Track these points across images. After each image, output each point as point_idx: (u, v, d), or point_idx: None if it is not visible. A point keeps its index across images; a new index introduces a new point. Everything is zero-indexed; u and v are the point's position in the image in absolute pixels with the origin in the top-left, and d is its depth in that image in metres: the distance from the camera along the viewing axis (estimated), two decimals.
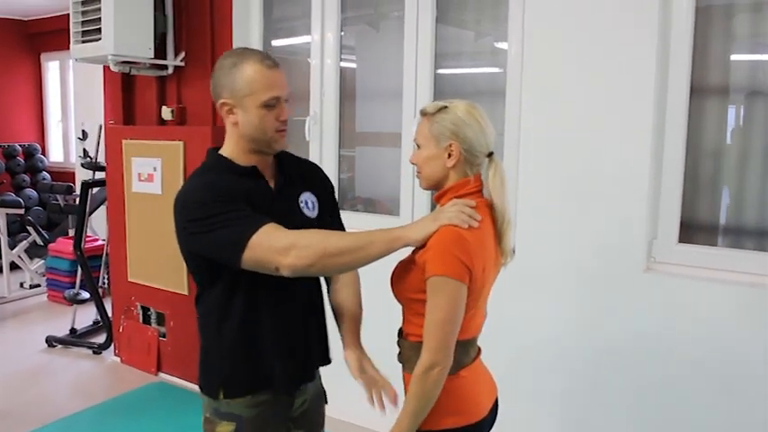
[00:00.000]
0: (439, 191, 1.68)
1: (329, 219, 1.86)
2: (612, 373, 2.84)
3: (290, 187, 1.79)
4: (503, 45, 3.14)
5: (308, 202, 1.80)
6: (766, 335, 2.53)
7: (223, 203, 1.59)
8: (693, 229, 2.82)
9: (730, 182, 2.83)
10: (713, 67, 2.78)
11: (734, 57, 2.78)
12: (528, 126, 2.97)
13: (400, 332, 1.73)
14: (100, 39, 3.69)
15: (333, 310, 1.89)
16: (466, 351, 1.68)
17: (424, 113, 1.67)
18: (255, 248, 1.54)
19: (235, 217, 1.57)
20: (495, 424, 1.82)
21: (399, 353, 1.72)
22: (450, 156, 1.62)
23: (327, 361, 1.92)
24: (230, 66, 1.65)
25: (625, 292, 2.79)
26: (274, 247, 1.53)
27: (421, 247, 1.57)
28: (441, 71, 3.38)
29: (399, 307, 1.72)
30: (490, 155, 1.65)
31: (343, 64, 3.74)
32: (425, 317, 1.52)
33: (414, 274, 1.59)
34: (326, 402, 2.02)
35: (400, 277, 1.63)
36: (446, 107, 1.63)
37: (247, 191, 1.67)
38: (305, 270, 1.55)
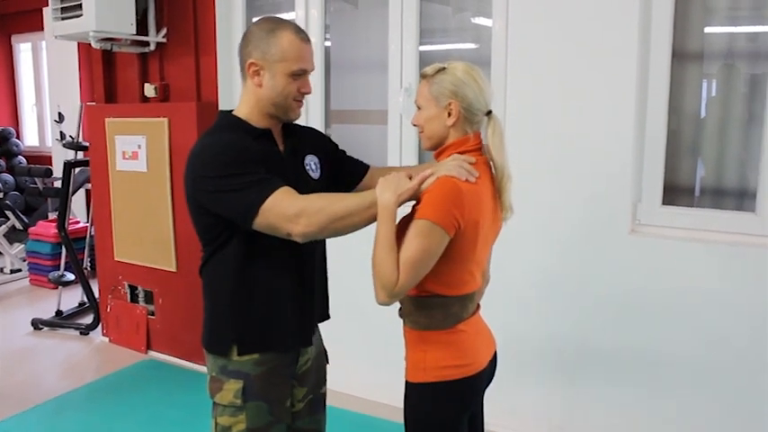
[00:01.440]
0: (439, 148, 1.72)
1: (342, 175, 1.93)
2: (599, 331, 2.93)
3: (296, 151, 1.83)
4: (486, 21, 3.18)
5: (312, 164, 1.85)
6: (746, 290, 2.63)
7: (240, 164, 1.63)
8: (676, 192, 2.90)
9: (710, 145, 2.91)
10: (693, 35, 2.85)
11: (712, 26, 2.85)
12: (513, 96, 3.02)
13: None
14: (81, 15, 3.64)
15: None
16: (464, 306, 1.72)
17: (423, 76, 1.71)
18: (267, 214, 1.58)
19: (249, 181, 1.60)
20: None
21: (400, 308, 1.76)
22: (449, 114, 1.66)
23: (328, 316, 1.99)
24: (267, 30, 1.69)
25: (611, 253, 2.87)
26: (285, 215, 1.57)
27: (419, 201, 1.61)
28: (423, 48, 3.41)
29: None
30: (489, 113, 1.70)
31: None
32: (401, 251, 1.55)
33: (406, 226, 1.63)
34: (328, 362, 2.07)
35: (401, 233, 1.67)
36: (445, 68, 1.67)
37: (262, 153, 1.71)
38: (315, 235, 1.60)
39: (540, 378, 3.12)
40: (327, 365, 2.08)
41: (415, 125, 1.75)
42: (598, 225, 2.89)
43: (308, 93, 1.77)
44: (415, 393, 1.71)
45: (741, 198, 2.83)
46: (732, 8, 2.81)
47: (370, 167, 2.01)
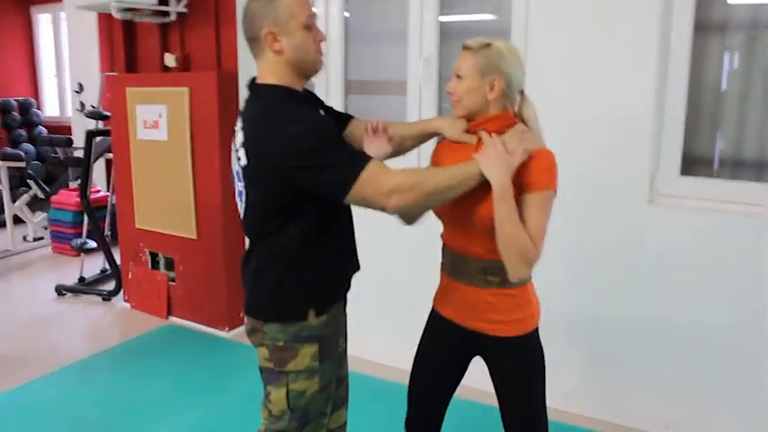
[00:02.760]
0: (478, 119, 1.79)
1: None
2: (618, 300, 2.97)
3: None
4: None
5: None
6: (764, 259, 2.64)
7: (331, 137, 1.67)
8: (695, 163, 2.91)
9: (730, 117, 2.90)
10: (716, 5, 2.83)
11: None
12: (533, 66, 3.02)
13: (457, 252, 1.87)
14: None
15: (398, 143, 1.99)
16: None
17: (467, 47, 1.76)
18: (362, 189, 1.61)
19: (340, 155, 1.64)
20: None
21: (492, 275, 1.80)
22: (492, 89, 1.73)
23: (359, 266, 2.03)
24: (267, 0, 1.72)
25: (629, 223, 2.89)
26: (380, 190, 1.61)
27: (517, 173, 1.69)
28: (443, 18, 3.41)
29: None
30: (521, 92, 1.80)
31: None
32: (530, 224, 1.67)
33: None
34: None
35: (486, 204, 1.71)
36: (490, 44, 1.74)
37: (335, 129, 1.79)
38: (408, 209, 1.67)
39: (556, 346, 3.15)
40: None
41: (450, 93, 1.80)
42: (617, 194, 2.91)
43: (323, 39, 1.79)
44: (529, 342, 1.86)
45: (760, 169, 2.84)
46: None
47: (353, 118, 2.03)
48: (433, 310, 2.01)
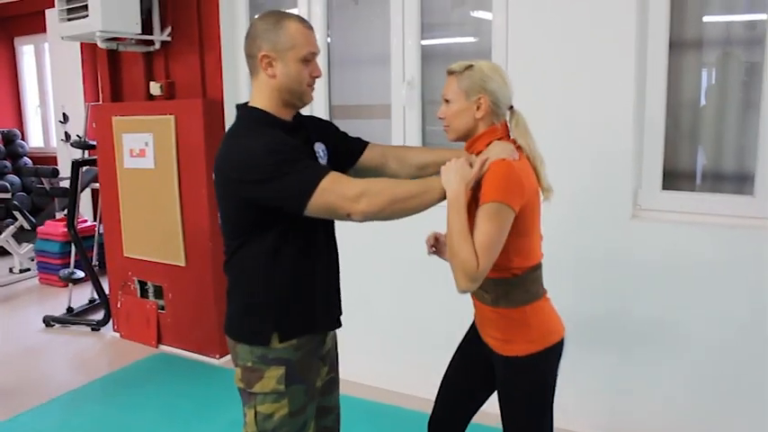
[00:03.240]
0: (469, 139, 1.83)
1: (342, 154, 2.00)
2: (604, 312, 3.01)
3: (308, 140, 1.90)
4: (486, 14, 3.24)
5: (320, 151, 1.92)
6: (745, 270, 2.70)
7: (289, 151, 1.69)
8: (676, 177, 2.97)
9: (709, 132, 2.96)
10: (691, 24, 2.91)
11: (709, 15, 2.90)
12: (514, 87, 3.07)
13: None
14: (87, 16, 3.71)
15: (418, 169, 2.01)
16: (541, 275, 1.88)
17: (451, 72, 1.82)
18: (325, 194, 1.63)
19: (300, 166, 1.66)
20: None
21: (484, 293, 1.86)
22: (479, 108, 1.78)
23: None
24: (273, 23, 1.76)
25: (614, 237, 2.93)
26: (346, 195, 1.63)
27: (475, 187, 1.70)
28: (425, 42, 3.47)
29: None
30: (511, 108, 1.84)
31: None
32: (475, 238, 1.64)
33: (470, 212, 1.72)
34: (337, 343, 2.14)
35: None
36: (472, 65, 1.79)
37: (295, 144, 1.77)
38: (375, 216, 1.66)
39: None
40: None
41: (441, 118, 1.84)
42: (601, 210, 2.95)
43: (319, 76, 1.83)
44: (527, 366, 1.84)
45: (739, 182, 2.89)
46: None
47: (369, 144, 2.06)
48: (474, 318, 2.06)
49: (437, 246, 2.02)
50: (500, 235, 1.66)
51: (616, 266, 2.95)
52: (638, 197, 2.95)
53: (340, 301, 1.99)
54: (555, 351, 1.87)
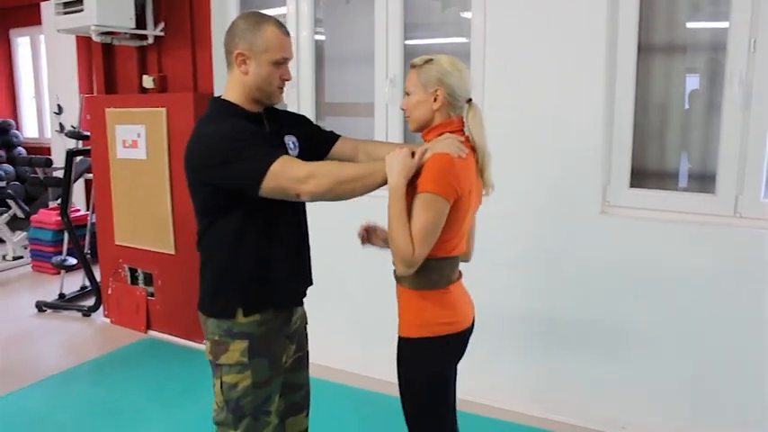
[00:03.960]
0: (425, 129, 1.94)
1: (314, 146, 2.12)
2: (573, 305, 3.15)
3: (279, 131, 2.04)
4: (469, 15, 3.38)
5: (291, 143, 2.06)
6: (707, 264, 2.85)
7: (247, 138, 1.83)
8: (643, 176, 3.11)
9: (674, 132, 3.12)
10: (659, 30, 3.06)
11: (677, 21, 3.05)
12: (490, 85, 3.22)
13: None
14: (82, 10, 3.83)
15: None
16: (453, 268, 1.95)
17: (413, 65, 1.93)
18: (277, 177, 1.77)
19: (255, 150, 1.80)
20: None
21: (394, 271, 1.95)
22: (435, 100, 1.89)
23: (311, 282, 2.17)
24: (253, 24, 1.89)
25: (583, 232, 3.08)
26: (295, 176, 1.77)
27: (416, 175, 1.81)
28: (412, 42, 3.61)
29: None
30: (469, 101, 1.93)
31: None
32: (411, 225, 1.75)
33: (410, 199, 1.82)
34: (307, 323, 2.28)
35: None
36: (432, 59, 1.90)
37: (255, 132, 1.91)
38: (322, 195, 1.79)
39: (518, 352, 3.33)
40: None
41: (403, 109, 1.97)
42: (571, 206, 3.10)
43: (289, 79, 1.97)
44: (408, 347, 1.91)
45: (702, 181, 3.05)
46: (693, 6, 3.01)
47: (341, 137, 2.20)
48: None
49: (368, 236, 2.14)
50: (435, 224, 1.77)
51: (585, 259, 3.09)
52: (607, 194, 3.09)
53: (305, 280, 2.13)
54: (441, 344, 1.90)
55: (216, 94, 3.95)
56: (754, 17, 2.71)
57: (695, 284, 2.88)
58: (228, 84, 1.97)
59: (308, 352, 2.26)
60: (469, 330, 2.00)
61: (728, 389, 2.86)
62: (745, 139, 2.80)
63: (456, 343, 1.95)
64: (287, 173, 1.77)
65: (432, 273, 1.88)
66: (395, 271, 1.95)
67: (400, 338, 1.93)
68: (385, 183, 1.81)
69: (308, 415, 2.29)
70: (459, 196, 1.80)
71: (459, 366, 2.02)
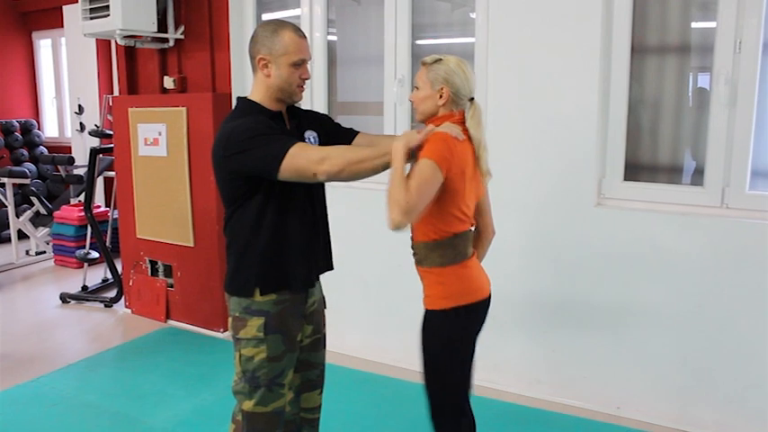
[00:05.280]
0: (431, 118, 2.15)
1: (334, 142, 2.31)
2: (571, 292, 3.34)
3: (299, 127, 2.25)
4: (473, 15, 3.57)
5: (311, 138, 2.26)
6: (697, 253, 3.02)
7: (264, 129, 2.04)
8: (636, 169, 3.29)
9: (666, 128, 3.29)
10: (651, 30, 3.23)
11: (669, 22, 3.22)
12: (492, 82, 3.41)
13: (412, 239, 2.18)
14: (108, 15, 4.06)
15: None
16: (466, 244, 2.15)
17: (423, 63, 2.14)
18: (294, 159, 1.96)
19: (274, 138, 2.01)
20: None
21: (415, 254, 2.17)
22: (441, 96, 2.10)
23: (331, 267, 2.37)
24: (271, 31, 2.10)
25: (580, 223, 3.26)
26: (311, 158, 1.97)
27: (418, 150, 2.00)
28: (422, 42, 3.79)
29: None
30: (471, 99, 2.14)
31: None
32: (409, 182, 1.92)
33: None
34: (325, 307, 2.48)
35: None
36: (441, 59, 2.11)
37: (272, 125, 2.11)
38: (336, 175, 1.98)
39: (521, 336, 3.51)
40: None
41: (411, 101, 2.18)
42: (568, 198, 3.28)
43: (308, 78, 2.18)
44: (436, 318, 2.11)
45: (694, 174, 3.22)
46: (684, 7, 3.18)
47: (360, 133, 2.40)
48: None
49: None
50: (429, 182, 1.93)
51: (581, 249, 3.27)
52: (602, 187, 3.27)
53: (319, 264, 2.32)
54: (465, 312, 2.10)
55: (233, 94, 4.24)
56: (739, 18, 2.89)
57: (686, 271, 3.05)
58: (254, 86, 2.18)
59: (324, 334, 2.46)
60: (487, 302, 2.20)
61: (719, 370, 3.03)
62: (731, 135, 2.97)
63: (475, 312, 2.15)
64: (303, 155, 1.97)
65: (447, 250, 2.10)
66: (416, 256, 2.16)
67: (427, 311, 2.13)
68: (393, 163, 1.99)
69: (321, 392, 2.49)
70: (453, 172, 1.99)
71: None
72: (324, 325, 2.46)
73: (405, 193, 1.89)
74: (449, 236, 2.09)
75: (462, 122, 2.12)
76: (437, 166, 1.95)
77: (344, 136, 2.38)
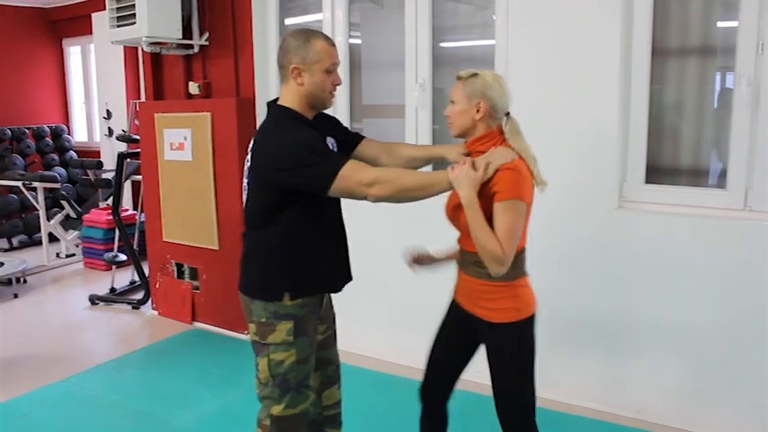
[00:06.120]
0: (471, 138, 2.15)
1: (343, 147, 2.35)
2: (592, 296, 3.33)
3: (323, 134, 2.27)
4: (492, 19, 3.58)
5: (331, 144, 2.29)
6: (719, 256, 3.00)
7: (319, 146, 2.08)
8: (657, 172, 3.28)
9: (687, 131, 3.27)
10: (672, 33, 3.22)
11: (689, 24, 3.21)
12: (514, 87, 3.40)
13: (462, 249, 2.21)
14: (134, 23, 4.14)
15: (407, 161, 2.37)
16: (525, 258, 2.19)
17: (459, 78, 2.15)
18: (345, 180, 2.00)
19: (327, 158, 2.05)
20: None
21: (461, 262, 2.22)
22: (478, 111, 2.10)
23: (351, 277, 2.40)
24: (303, 40, 2.13)
25: (601, 226, 3.26)
26: (362, 181, 2.01)
27: (483, 186, 2.00)
28: (442, 44, 3.82)
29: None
30: (507, 114, 2.14)
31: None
32: (497, 229, 1.96)
33: (483, 207, 2.00)
34: (333, 305, 2.53)
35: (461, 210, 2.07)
36: (477, 74, 2.11)
37: (323, 140, 2.16)
38: (386, 199, 2.04)
39: (540, 338, 3.45)
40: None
41: (447, 116, 2.18)
42: (590, 201, 3.28)
43: (339, 84, 2.21)
44: (515, 330, 2.12)
45: (713, 177, 3.20)
46: (705, 7, 3.16)
47: (365, 139, 2.42)
48: (453, 296, 2.35)
49: (420, 261, 2.39)
50: (517, 224, 1.97)
51: (603, 252, 3.27)
52: (624, 190, 3.27)
53: (344, 269, 2.36)
54: (534, 319, 2.16)
55: (256, 99, 4.29)
56: (762, 20, 2.87)
57: (708, 274, 3.03)
58: (284, 95, 2.20)
59: (335, 330, 2.51)
60: None
61: (742, 375, 3.01)
62: (753, 137, 2.95)
63: (536, 317, 2.20)
64: (354, 177, 2.01)
65: (518, 263, 2.12)
66: (462, 262, 2.20)
67: (500, 324, 2.13)
68: (445, 191, 2.05)
69: (339, 387, 2.54)
70: (531, 194, 2.03)
71: (482, 353, 2.23)
72: (334, 321, 2.52)
73: (497, 245, 1.93)
74: (520, 250, 2.11)
75: (503, 141, 2.12)
76: (523, 202, 1.99)
77: (350, 140, 2.41)
